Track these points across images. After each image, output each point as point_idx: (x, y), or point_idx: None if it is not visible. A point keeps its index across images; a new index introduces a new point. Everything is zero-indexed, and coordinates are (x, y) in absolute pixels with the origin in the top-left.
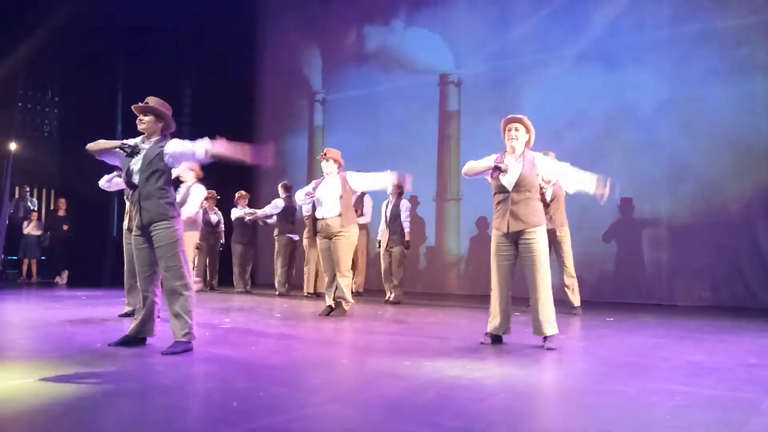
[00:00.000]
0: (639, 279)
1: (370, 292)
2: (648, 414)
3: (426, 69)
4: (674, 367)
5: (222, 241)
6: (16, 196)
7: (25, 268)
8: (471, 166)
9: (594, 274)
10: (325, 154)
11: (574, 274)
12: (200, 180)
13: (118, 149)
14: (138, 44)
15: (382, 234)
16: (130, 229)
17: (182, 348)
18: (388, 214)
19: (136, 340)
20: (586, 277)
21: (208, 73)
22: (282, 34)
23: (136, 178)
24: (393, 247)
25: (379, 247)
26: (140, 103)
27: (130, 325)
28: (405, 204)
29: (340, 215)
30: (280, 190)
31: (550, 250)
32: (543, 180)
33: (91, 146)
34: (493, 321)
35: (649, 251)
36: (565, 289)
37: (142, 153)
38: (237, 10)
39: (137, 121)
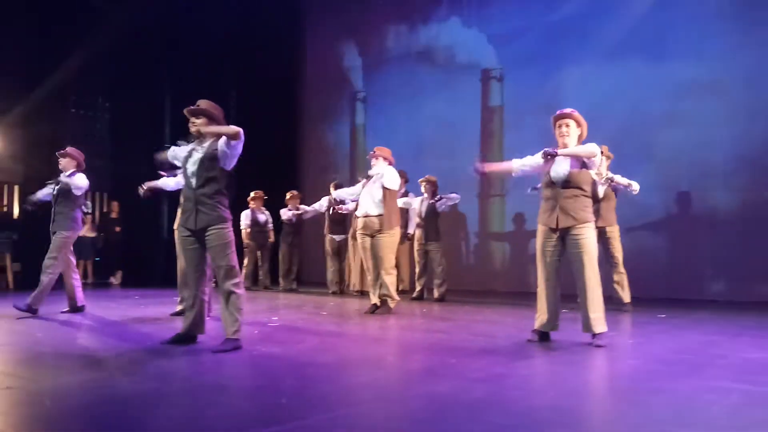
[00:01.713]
0: (693, 275)
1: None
2: (704, 413)
3: (467, 64)
4: (730, 364)
5: (271, 240)
6: None
7: (80, 269)
8: (519, 164)
9: (645, 269)
10: (374, 152)
11: (623, 270)
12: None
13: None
14: (184, 49)
15: (416, 229)
16: (184, 227)
17: (232, 346)
18: (423, 210)
19: (187, 338)
20: (636, 272)
21: (252, 75)
22: (322, 34)
23: (192, 181)
24: (429, 243)
25: (410, 239)
26: (192, 106)
27: (181, 324)
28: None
29: (382, 214)
30: (331, 189)
31: (598, 247)
32: (597, 176)
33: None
34: (541, 318)
35: (703, 246)
36: (615, 285)
37: (198, 156)
38: (278, 12)
39: (189, 124)
